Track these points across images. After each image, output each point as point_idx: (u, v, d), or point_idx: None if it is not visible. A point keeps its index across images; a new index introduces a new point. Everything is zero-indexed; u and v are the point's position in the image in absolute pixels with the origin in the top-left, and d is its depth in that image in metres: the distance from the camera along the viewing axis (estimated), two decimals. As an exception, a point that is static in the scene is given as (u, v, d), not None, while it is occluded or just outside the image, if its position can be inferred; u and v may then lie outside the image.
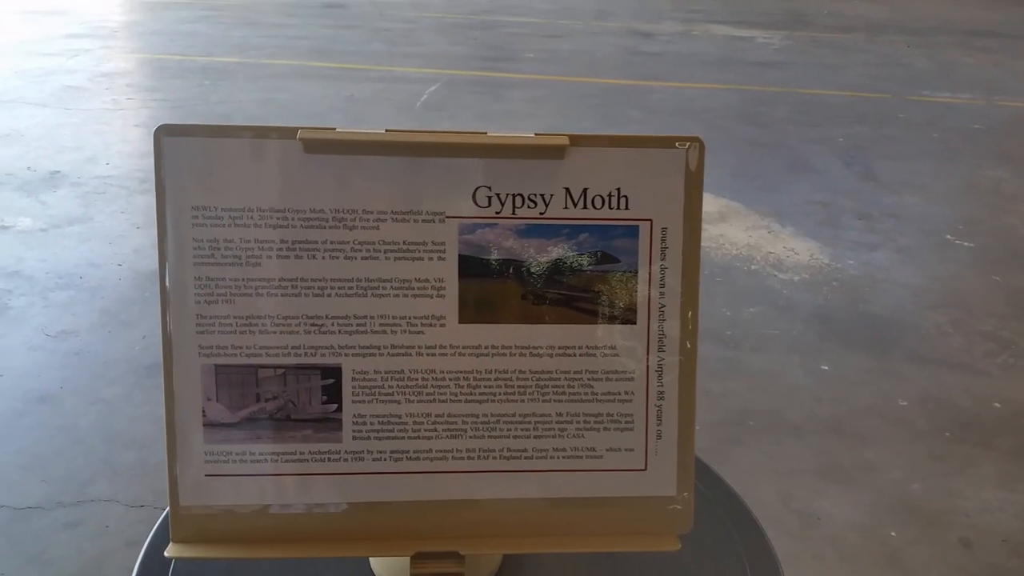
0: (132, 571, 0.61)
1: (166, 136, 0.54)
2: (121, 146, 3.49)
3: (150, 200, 2.99)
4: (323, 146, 0.54)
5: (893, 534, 1.53)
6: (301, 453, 0.55)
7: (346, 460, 0.55)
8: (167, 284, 0.54)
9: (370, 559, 0.61)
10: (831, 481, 1.68)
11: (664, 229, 0.56)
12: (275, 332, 0.55)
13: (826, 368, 2.09)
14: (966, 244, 2.86)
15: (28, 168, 3.12)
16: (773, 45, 6.28)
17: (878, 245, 2.82)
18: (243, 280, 0.54)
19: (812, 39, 6.57)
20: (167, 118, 3.97)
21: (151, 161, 0.53)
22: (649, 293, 0.56)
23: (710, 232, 2.87)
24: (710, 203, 3.13)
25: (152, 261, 2.46)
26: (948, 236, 2.91)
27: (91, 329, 2.10)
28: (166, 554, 0.54)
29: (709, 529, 0.66)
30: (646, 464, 0.56)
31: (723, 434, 1.83)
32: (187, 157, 0.54)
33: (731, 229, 2.92)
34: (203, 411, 0.55)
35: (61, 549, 1.43)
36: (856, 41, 6.55)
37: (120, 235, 2.63)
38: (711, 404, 1.92)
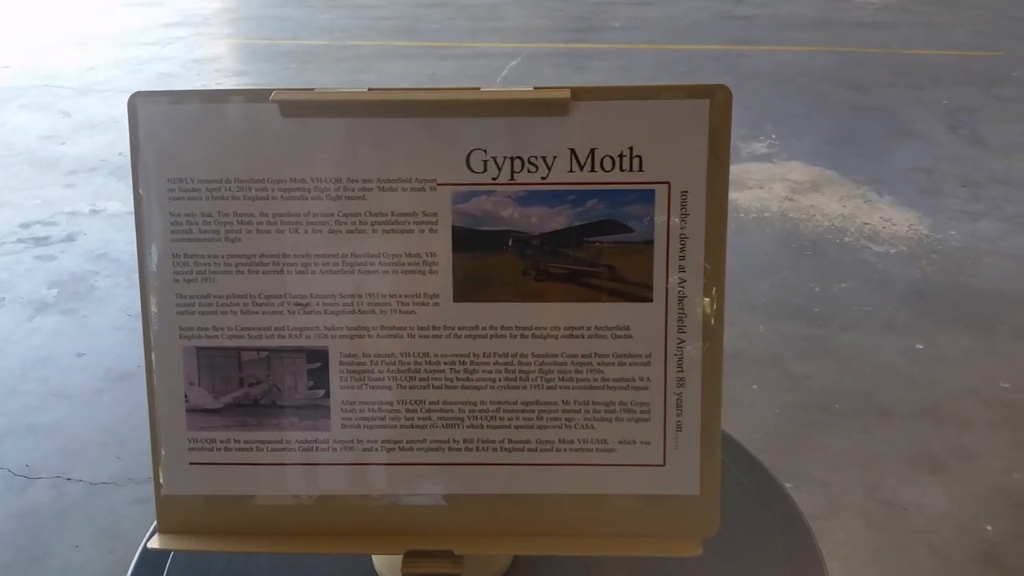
0: (132, 560, 0.59)
1: (141, 104, 0.50)
2: (208, 130, 3.56)
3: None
4: (300, 108, 0.49)
5: (990, 528, 1.41)
6: (287, 441, 0.52)
7: (334, 450, 0.51)
8: (145, 262, 0.51)
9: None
10: (924, 470, 1.56)
11: (684, 193, 0.49)
12: (257, 312, 0.51)
13: (921, 347, 1.95)
14: (1086, 211, 2.62)
15: (120, 154, 3.23)
16: (874, 4, 5.93)
17: (984, 214, 2.62)
18: (222, 257, 0.51)
19: (918, -4, 6.17)
20: (253, 101, 4.04)
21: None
22: (667, 267, 0.49)
23: (800, 203, 2.73)
24: (801, 172, 2.98)
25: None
26: (1065, 203, 2.68)
27: (171, 309, 2.14)
28: (149, 545, 0.52)
29: (749, 527, 0.59)
30: (664, 459, 0.50)
31: (806, 418, 1.72)
32: (162, 126, 0.50)
33: (824, 199, 2.77)
34: (185, 396, 0.52)
35: (131, 524, 1.46)
36: (967, -4, 6.12)
37: (203, 216, 2.68)
38: (794, 386, 1.82)
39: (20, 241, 2.56)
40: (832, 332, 2.02)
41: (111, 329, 2.07)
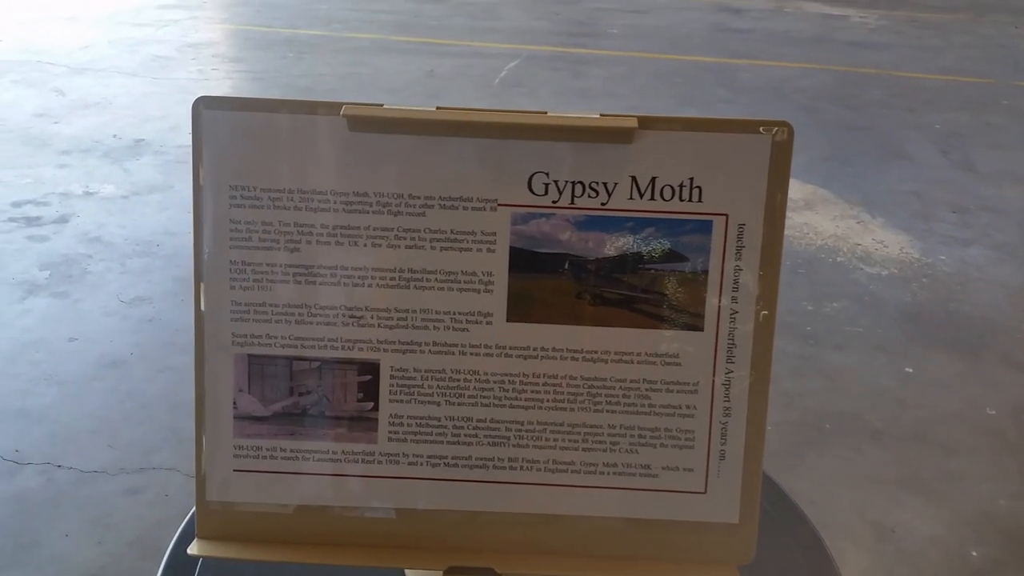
0: (161, 562, 0.59)
1: (205, 109, 0.50)
2: (204, 116, 3.53)
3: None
4: (369, 124, 0.49)
5: (975, 553, 1.43)
6: (334, 452, 0.52)
7: (380, 463, 0.52)
8: (202, 267, 0.51)
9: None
10: (912, 493, 1.58)
11: (741, 226, 0.50)
12: (312, 323, 0.51)
13: (911, 370, 1.97)
14: (1072, 243, 2.67)
15: (114, 136, 3.20)
16: (869, 24, 6.00)
17: (973, 240, 2.66)
18: (280, 266, 0.51)
19: (911, 19, 6.25)
20: (250, 89, 4.02)
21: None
22: (720, 297, 0.50)
23: (794, 220, 2.75)
24: (796, 189, 3.00)
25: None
26: (1052, 233, 2.72)
27: (164, 297, 2.13)
28: (189, 551, 0.52)
29: (770, 554, 0.60)
30: (706, 486, 0.51)
31: (797, 436, 1.74)
32: (227, 132, 0.50)
33: (817, 218, 2.80)
34: (234, 402, 0.52)
35: (122, 514, 1.45)
36: (959, 21, 6.21)
37: (198, 204, 2.66)
38: (786, 404, 1.84)
39: (11, 220, 2.53)
40: (824, 351, 2.04)
41: (104, 315, 2.05)
